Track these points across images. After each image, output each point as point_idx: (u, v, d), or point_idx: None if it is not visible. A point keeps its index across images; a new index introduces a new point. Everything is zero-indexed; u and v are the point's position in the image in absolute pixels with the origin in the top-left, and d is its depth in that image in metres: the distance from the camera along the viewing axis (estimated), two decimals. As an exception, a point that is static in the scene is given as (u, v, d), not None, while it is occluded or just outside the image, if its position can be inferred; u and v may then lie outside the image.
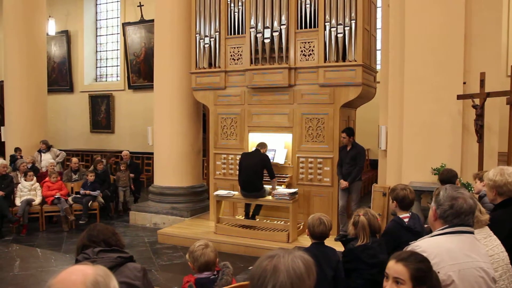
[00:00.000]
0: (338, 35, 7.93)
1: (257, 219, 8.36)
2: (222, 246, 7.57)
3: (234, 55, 8.92)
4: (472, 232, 2.68)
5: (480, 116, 6.55)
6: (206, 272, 3.51)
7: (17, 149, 11.80)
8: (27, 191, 9.53)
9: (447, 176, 5.20)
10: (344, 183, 7.74)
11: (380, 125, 7.94)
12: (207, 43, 9.10)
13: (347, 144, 7.82)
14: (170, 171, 9.79)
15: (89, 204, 9.70)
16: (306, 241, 7.34)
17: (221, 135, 9.19)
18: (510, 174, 3.46)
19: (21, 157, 11.47)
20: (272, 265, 1.78)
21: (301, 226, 8.19)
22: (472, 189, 6.08)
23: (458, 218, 2.66)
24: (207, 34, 9.11)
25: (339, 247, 4.33)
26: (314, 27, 8.16)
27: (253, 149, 8.18)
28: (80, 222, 9.55)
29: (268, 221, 8.45)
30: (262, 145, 8.09)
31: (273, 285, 1.73)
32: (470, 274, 2.48)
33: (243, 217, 8.53)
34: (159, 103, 9.89)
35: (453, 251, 2.42)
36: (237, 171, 8.33)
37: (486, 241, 3.07)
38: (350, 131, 7.85)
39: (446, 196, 2.72)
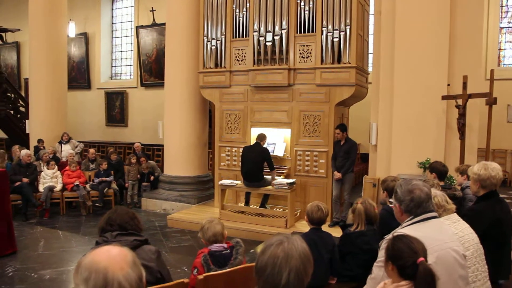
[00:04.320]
0: (334, 39, 7.89)
1: (268, 207, 8.40)
2: (226, 231, 7.54)
3: (238, 56, 8.88)
4: (436, 216, 2.70)
5: (462, 115, 6.54)
6: (217, 244, 3.50)
7: (40, 141, 11.78)
8: (49, 178, 9.52)
9: (439, 169, 5.16)
10: (337, 175, 7.73)
11: (371, 122, 7.92)
12: (214, 45, 9.05)
13: (340, 139, 7.81)
14: (179, 162, 9.77)
15: (105, 190, 9.68)
16: (303, 227, 7.39)
17: (225, 130, 9.16)
18: (493, 169, 3.46)
19: (44, 147, 11.46)
20: (283, 252, 1.72)
21: (298, 213, 8.19)
22: (454, 181, 6.08)
23: (421, 207, 2.69)
24: (214, 37, 9.06)
25: (335, 233, 4.32)
26: (312, 31, 8.12)
27: (254, 142, 8.18)
28: (97, 204, 9.54)
29: (269, 207, 8.46)
30: (262, 137, 8.07)
31: (289, 271, 1.68)
32: (445, 256, 2.51)
33: (243, 204, 8.55)
34: (169, 100, 9.86)
35: (426, 238, 2.42)
36: (240, 163, 8.33)
37: (456, 225, 3.12)
38: (343, 127, 7.84)
39: (404, 192, 2.74)
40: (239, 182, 8.32)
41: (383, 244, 2.61)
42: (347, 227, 4.14)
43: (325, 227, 4.24)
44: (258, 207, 8.40)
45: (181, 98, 9.68)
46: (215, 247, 3.50)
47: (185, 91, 9.67)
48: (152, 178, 10.51)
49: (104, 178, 9.76)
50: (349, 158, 7.74)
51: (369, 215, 4.00)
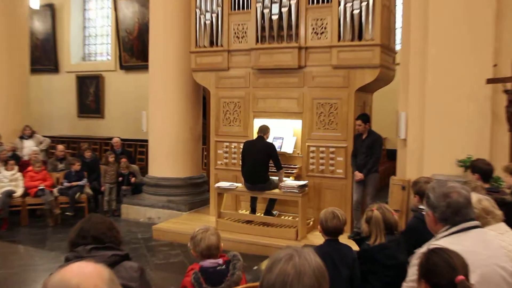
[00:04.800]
0: (354, 12, 7.87)
1: (275, 213, 8.47)
2: (223, 244, 7.53)
3: (238, 33, 8.88)
4: (478, 226, 2.69)
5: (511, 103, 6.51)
6: (211, 259, 3.50)
7: (-5, 135, 11.79)
8: (8, 181, 9.54)
9: (483, 169, 5.14)
10: (359, 175, 7.75)
11: (399, 112, 7.91)
12: (208, 19, 9.06)
13: (362, 132, 7.81)
14: (166, 161, 9.82)
15: (77, 196, 9.72)
16: (317, 238, 7.40)
17: (223, 121, 9.19)
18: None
19: (1, 144, 11.46)
20: (294, 268, 1.72)
21: (311, 222, 8.23)
22: (503, 183, 6.06)
23: (459, 215, 2.67)
24: (208, 9, 9.06)
25: (355, 246, 4.32)
26: (328, 2, 8.12)
27: (256, 136, 8.22)
28: (66, 213, 9.57)
29: (276, 213, 8.48)
30: (264, 130, 8.11)
31: None
32: (490, 273, 2.50)
33: (249, 212, 8.58)
34: (154, 85, 9.88)
35: (467, 252, 2.41)
36: (240, 161, 8.34)
37: (503, 237, 3.14)
38: (366, 118, 7.84)
39: (438, 196, 2.72)
40: (239, 184, 8.35)
41: (415, 260, 2.60)
42: (363, 241, 4.15)
43: (343, 239, 4.25)
44: (262, 214, 8.44)
45: (169, 84, 9.71)
46: (208, 263, 3.50)
47: (173, 75, 9.69)
48: (133, 180, 10.55)
49: (75, 183, 9.77)
50: (373, 155, 7.75)
51: (388, 222, 4.00)
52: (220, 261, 3.55)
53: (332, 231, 4.07)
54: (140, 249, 8.02)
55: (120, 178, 10.35)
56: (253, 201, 8.48)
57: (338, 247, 4.07)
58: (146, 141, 11.12)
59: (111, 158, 10.46)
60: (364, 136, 7.83)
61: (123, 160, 10.61)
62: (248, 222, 8.26)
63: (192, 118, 9.97)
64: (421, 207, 4.28)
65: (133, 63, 15.77)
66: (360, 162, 7.80)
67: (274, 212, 8.44)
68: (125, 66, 16.03)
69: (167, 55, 9.71)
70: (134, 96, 15.52)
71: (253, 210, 8.49)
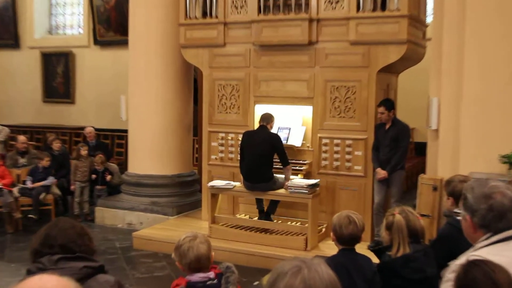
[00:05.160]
0: (377, -25, 7.87)
1: (274, 220, 8.48)
2: (218, 254, 7.52)
3: (236, 2, 8.87)
4: None
5: None
6: (200, 273, 3.49)
7: None
8: (-41, 179, 9.57)
9: None
10: (381, 173, 7.75)
11: (431, 97, 7.90)
12: (201, -16, 9.05)
13: (386, 120, 7.81)
14: (150, 155, 9.82)
15: (41, 196, 9.73)
16: (329, 248, 7.38)
17: (218, 108, 9.19)
18: None
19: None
20: (302, 283, 1.72)
21: (323, 229, 8.23)
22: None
23: (503, 220, 2.66)
24: (200, -29, 9.05)
25: (375, 258, 4.32)
26: (345, -37, 8.10)
27: (258, 126, 8.23)
28: (30, 216, 9.58)
29: (280, 221, 8.50)
30: (267, 118, 8.11)
31: None
32: None
33: (257, 217, 8.55)
34: (135, 65, 9.88)
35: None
36: (239, 156, 8.36)
37: None
38: (390, 104, 7.83)
39: (478, 197, 2.70)
40: (237, 183, 8.36)
41: (449, 274, 2.59)
42: (383, 252, 4.14)
43: (362, 249, 4.24)
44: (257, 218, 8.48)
45: (153, 63, 9.71)
46: (197, 277, 3.49)
47: (159, 52, 9.68)
48: (109, 177, 10.52)
49: (40, 183, 9.75)
50: (398, 149, 7.75)
51: (412, 229, 3.99)
52: (211, 274, 3.53)
53: (347, 239, 4.05)
54: (118, 260, 8.01)
55: (94, 176, 10.32)
56: (259, 202, 8.48)
57: (354, 258, 4.06)
58: (126, 131, 11.13)
59: (84, 151, 10.42)
60: (387, 126, 7.82)
61: (99, 155, 10.60)
62: (248, 228, 8.27)
63: (181, 104, 9.98)
64: (456, 211, 4.27)
65: (110, 38, 15.76)
66: (383, 157, 7.79)
67: (274, 219, 8.49)
68: (100, 41, 16.01)
69: (150, 28, 9.68)
70: (111, 77, 15.50)
71: (262, 213, 8.46)
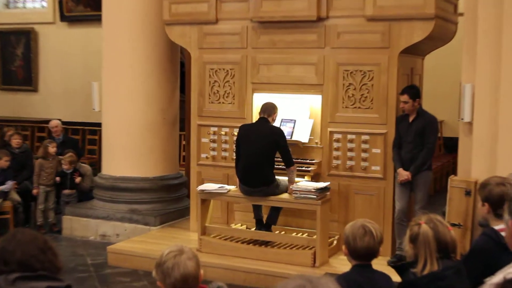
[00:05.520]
0: None
1: (276, 231, 8.48)
2: (209, 272, 7.58)
3: (231, -31, 8.90)
4: None
5: None
6: None
7: None
8: None
9: None
10: (404, 174, 7.74)
11: (463, 84, 7.91)
12: (188, -51, 9.07)
13: (409, 112, 7.80)
14: (128, 153, 9.81)
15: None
16: (342, 264, 7.39)
17: (209, 97, 9.20)
18: None
19: None
20: None
21: (335, 242, 8.26)
22: None
23: None
24: None
25: (396, 276, 4.32)
26: None
27: (258, 118, 8.24)
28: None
29: (283, 232, 8.52)
30: (269, 109, 8.12)
31: None
32: None
33: (255, 228, 8.54)
34: (110, 45, 9.88)
35: None
36: (234, 154, 8.35)
37: None
38: (414, 92, 7.82)
39: None
40: (232, 187, 8.38)
41: None
42: (407, 268, 4.09)
43: (381, 265, 4.24)
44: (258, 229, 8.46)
45: (132, 43, 9.70)
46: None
47: (138, 30, 9.68)
48: (79, 179, 10.52)
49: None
50: (425, 146, 7.75)
51: (442, 241, 3.92)
52: (200, 297, 3.54)
53: (362, 253, 4.02)
54: (89, 279, 8.02)
55: (58, 178, 10.29)
56: (257, 210, 8.47)
57: (370, 276, 4.04)
58: (99, 125, 11.09)
59: (53, 149, 10.41)
60: (411, 119, 7.81)
61: (70, 153, 10.57)
62: (245, 241, 8.28)
63: (165, 93, 9.99)
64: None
65: (80, 13, 15.74)
66: (406, 156, 7.79)
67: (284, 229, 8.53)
68: (67, 17, 16.00)
69: (128, 2, 9.68)
70: (81, 60, 15.51)
71: (261, 223, 8.44)
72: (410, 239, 3.96)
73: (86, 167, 11.06)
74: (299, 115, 8.75)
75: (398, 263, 4.51)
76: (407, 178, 7.75)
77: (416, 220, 4.02)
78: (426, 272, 3.85)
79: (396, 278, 4.21)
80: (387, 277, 4.11)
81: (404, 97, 7.77)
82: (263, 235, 8.31)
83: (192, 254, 3.52)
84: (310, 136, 8.62)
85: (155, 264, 3.53)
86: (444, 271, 3.84)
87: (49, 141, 10.81)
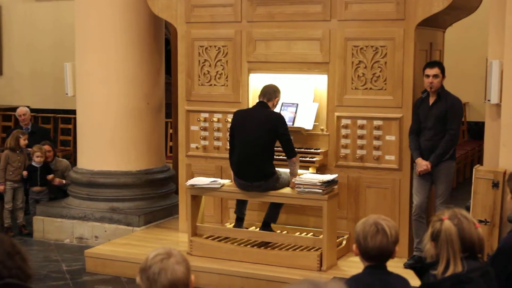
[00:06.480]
0: None
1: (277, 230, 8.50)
2: (201, 278, 7.63)
3: None
4: None
5: None
6: None
7: None
8: None
9: None
10: (423, 164, 7.74)
11: (490, 60, 7.92)
12: None
13: (436, 89, 7.75)
14: (107, 144, 9.82)
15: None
16: (351, 267, 7.49)
17: (199, 79, 9.20)
18: None
19: None
20: None
21: (344, 242, 8.29)
22: None
23: None
24: None
25: (413, 278, 4.37)
26: None
27: (256, 103, 8.27)
28: None
29: (286, 232, 8.55)
30: (270, 93, 8.12)
31: None
32: None
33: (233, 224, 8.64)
34: (85, 21, 9.86)
35: None
36: (228, 144, 8.38)
37: None
38: (442, 67, 7.78)
39: None
40: (226, 181, 8.40)
41: None
42: (427, 270, 4.10)
43: (395, 267, 4.29)
44: (259, 229, 8.51)
45: (110, 18, 9.69)
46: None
47: (117, 2, 9.66)
48: (51, 177, 10.56)
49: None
50: (447, 132, 7.73)
51: (467, 240, 3.91)
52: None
53: (374, 254, 3.98)
54: (65, 288, 8.09)
55: (25, 173, 10.28)
56: (241, 205, 8.50)
57: (385, 279, 4.02)
58: (73, 112, 11.08)
59: (24, 141, 10.39)
60: (432, 101, 7.79)
61: (46, 147, 10.60)
62: (242, 242, 8.31)
63: (149, 74, 9.99)
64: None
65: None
66: (426, 144, 7.78)
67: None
68: (36, -12, 15.96)
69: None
70: (51, 38, 15.46)
71: (240, 220, 8.50)
72: (431, 236, 3.98)
73: (63, 162, 11.07)
74: (302, 98, 8.76)
75: (417, 265, 4.49)
76: (426, 168, 7.73)
77: (439, 216, 4.01)
78: (448, 274, 3.85)
79: (414, 282, 4.20)
80: (403, 280, 4.09)
81: (435, 70, 7.68)
82: (263, 235, 8.32)
83: (181, 258, 3.48)
84: (315, 122, 8.63)
85: (139, 269, 3.49)
86: (469, 273, 3.84)
87: (21, 132, 10.68)
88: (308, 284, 1.86)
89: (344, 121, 8.48)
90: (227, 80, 9.08)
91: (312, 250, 7.95)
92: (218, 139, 9.16)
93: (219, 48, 9.08)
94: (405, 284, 4.10)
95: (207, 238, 8.43)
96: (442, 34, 9.16)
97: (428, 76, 7.69)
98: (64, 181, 10.58)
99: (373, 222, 3.99)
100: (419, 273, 4.17)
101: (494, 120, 8.00)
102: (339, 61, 8.45)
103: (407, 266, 7.41)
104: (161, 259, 3.40)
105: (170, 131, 11.92)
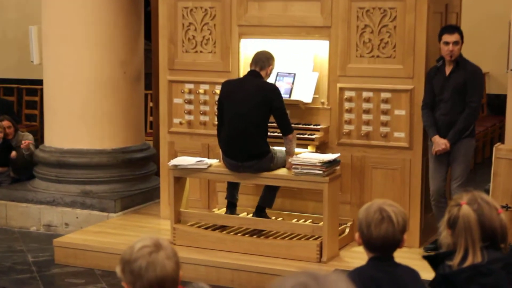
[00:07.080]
0: None
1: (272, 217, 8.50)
2: (186, 270, 7.51)
3: None
4: None
5: None
6: None
7: None
8: None
9: None
10: (441, 143, 7.73)
11: (512, 24, 7.89)
12: None
13: (455, 58, 7.72)
14: (79, 119, 9.81)
15: None
16: (355, 258, 7.53)
17: (183, 45, 9.19)
18: None
19: None
20: None
21: (347, 229, 8.29)
22: None
23: None
24: None
25: (425, 271, 4.31)
26: None
27: (247, 72, 8.22)
28: None
29: (281, 219, 8.52)
30: (263, 61, 8.11)
31: None
32: None
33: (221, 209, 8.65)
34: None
35: None
36: (216, 119, 8.36)
37: None
38: (462, 32, 7.76)
39: None
40: (214, 161, 8.39)
41: None
42: (442, 260, 4.10)
43: (407, 258, 4.17)
44: (251, 215, 8.49)
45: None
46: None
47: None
48: (14, 154, 10.56)
49: None
50: (467, 105, 7.73)
51: (488, 227, 3.93)
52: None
53: (378, 244, 4.01)
54: (31, 281, 8.04)
55: None
56: (233, 188, 8.50)
57: (391, 271, 4.03)
58: (40, 82, 11.09)
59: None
60: (449, 70, 7.77)
61: (5, 122, 10.69)
62: (232, 230, 8.31)
63: (125, 39, 9.96)
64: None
65: None
66: (442, 119, 7.79)
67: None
68: None
69: None
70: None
71: (232, 205, 8.51)
72: (448, 223, 4.02)
73: (27, 135, 11.05)
74: (300, 67, 8.73)
75: (432, 253, 4.49)
76: (445, 148, 7.72)
77: (456, 200, 4.03)
78: (466, 264, 3.87)
79: (426, 275, 4.25)
80: (412, 272, 4.11)
81: (455, 37, 7.71)
82: (255, 222, 8.34)
83: (171, 251, 3.49)
84: (315, 94, 8.62)
85: (121, 260, 3.46)
86: (489, 264, 3.86)
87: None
88: (305, 277, 1.87)
89: (347, 93, 8.47)
90: (214, 47, 9.06)
91: (311, 239, 7.98)
92: (204, 113, 9.14)
93: (205, 9, 9.05)
94: (414, 276, 4.14)
95: (192, 225, 8.42)
96: (458, -3, 9.15)
97: (447, 43, 7.68)
98: (32, 142, 10.56)
99: (378, 208, 4.01)
100: (433, 263, 4.22)
101: (516, 92, 8.00)
102: (342, 25, 8.41)
103: (426, 250, 7.57)
104: (149, 252, 3.40)
105: (150, 104, 11.98)
